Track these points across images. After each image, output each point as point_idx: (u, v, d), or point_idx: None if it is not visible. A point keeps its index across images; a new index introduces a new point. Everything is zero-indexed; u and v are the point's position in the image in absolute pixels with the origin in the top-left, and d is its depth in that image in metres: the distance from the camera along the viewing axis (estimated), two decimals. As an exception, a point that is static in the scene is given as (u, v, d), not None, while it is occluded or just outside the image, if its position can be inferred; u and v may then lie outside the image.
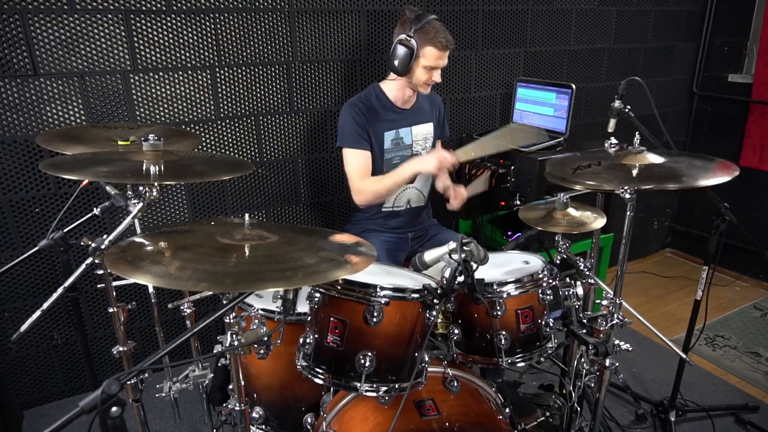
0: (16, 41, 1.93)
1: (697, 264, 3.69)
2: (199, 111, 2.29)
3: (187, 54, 2.20)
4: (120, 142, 1.67)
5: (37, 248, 1.47)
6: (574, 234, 1.82)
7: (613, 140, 1.66)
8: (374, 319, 1.29)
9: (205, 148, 2.34)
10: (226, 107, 2.33)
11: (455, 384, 1.45)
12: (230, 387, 1.52)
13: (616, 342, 1.55)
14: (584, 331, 1.59)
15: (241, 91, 2.34)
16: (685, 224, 3.99)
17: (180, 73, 2.21)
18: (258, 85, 2.37)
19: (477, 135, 2.58)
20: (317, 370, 1.35)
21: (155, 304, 1.89)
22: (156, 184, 1.36)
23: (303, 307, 1.40)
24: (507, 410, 1.53)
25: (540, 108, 2.74)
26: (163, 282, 0.97)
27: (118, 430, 0.83)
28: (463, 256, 1.35)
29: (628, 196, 1.45)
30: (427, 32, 1.94)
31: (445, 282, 1.35)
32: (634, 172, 1.48)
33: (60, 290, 1.38)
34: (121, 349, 1.59)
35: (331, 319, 1.33)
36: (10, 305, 2.19)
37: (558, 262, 1.75)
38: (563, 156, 1.68)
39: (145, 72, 2.15)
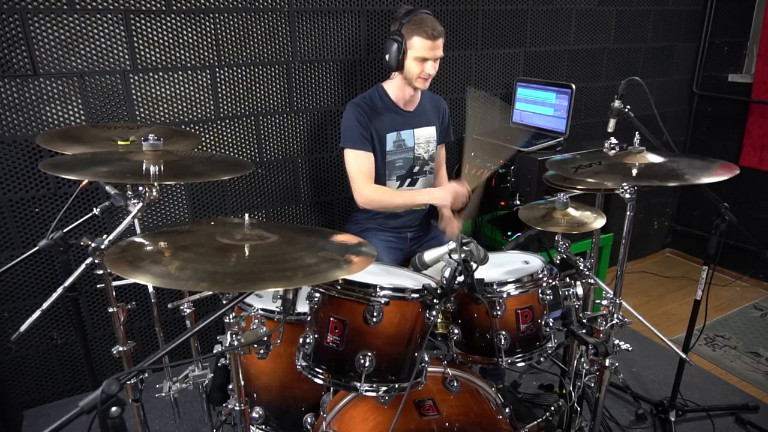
0: (16, 41, 1.93)
1: (697, 264, 3.68)
2: (199, 111, 2.29)
3: (187, 54, 2.20)
4: (120, 142, 1.67)
5: (36, 248, 1.47)
6: (574, 234, 1.82)
7: (613, 140, 1.66)
8: (374, 319, 1.29)
9: (205, 148, 2.33)
10: (226, 107, 2.33)
11: (455, 384, 1.45)
12: (230, 387, 1.52)
13: (616, 342, 1.55)
14: (584, 331, 1.59)
15: (241, 91, 2.34)
16: (685, 224, 3.99)
17: (180, 73, 2.21)
18: (258, 85, 2.37)
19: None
20: (317, 370, 1.35)
21: (155, 304, 1.89)
22: (156, 184, 1.36)
23: (303, 307, 1.40)
24: (507, 410, 1.53)
25: (540, 108, 2.74)
26: (163, 282, 0.97)
27: (118, 430, 0.83)
28: (463, 256, 1.36)
29: (628, 195, 1.45)
30: (413, 24, 1.95)
31: (445, 282, 1.35)
32: (634, 171, 1.48)
33: (60, 290, 1.38)
34: (120, 349, 1.59)
35: (331, 319, 1.33)
36: (10, 305, 2.19)
37: (558, 262, 1.75)
38: (562, 157, 1.68)
39: (144, 72, 2.15)
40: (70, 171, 1.29)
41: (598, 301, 1.63)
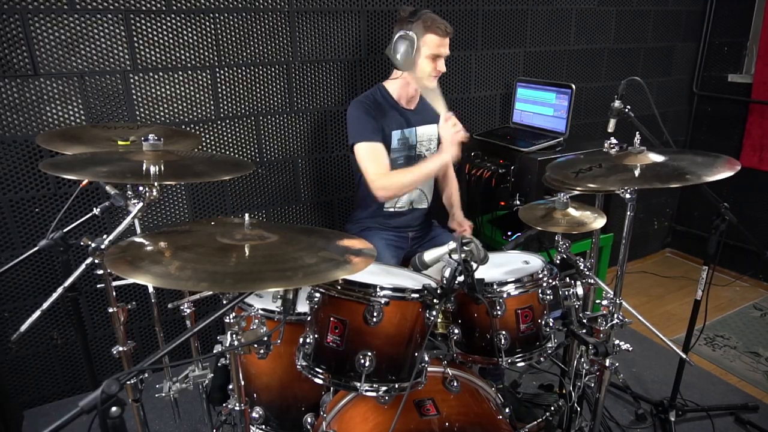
0: (16, 41, 1.93)
1: (697, 264, 3.69)
2: (199, 111, 2.29)
3: (187, 54, 2.20)
4: (120, 142, 1.67)
5: (37, 248, 1.47)
6: (574, 234, 1.82)
7: (613, 140, 1.66)
8: (374, 319, 1.29)
9: (205, 148, 2.33)
10: (226, 107, 2.33)
11: (455, 384, 1.45)
12: (230, 387, 1.53)
13: (616, 342, 1.55)
14: (584, 331, 1.59)
15: (241, 91, 2.34)
16: (685, 224, 3.99)
17: (180, 73, 2.21)
18: (258, 85, 2.37)
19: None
20: (317, 369, 1.35)
21: (155, 304, 1.89)
22: (156, 184, 1.36)
23: (303, 307, 1.40)
24: (507, 410, 1.53)
25: (540, 108, 2.74)
26: (163, 282, 0.97)
27: (118, 430, 0.83)
28: (463, 256, 1.35)
29: (628, 196, 1.45)
30: (424, 22, 1.96)
31: (445, 282, 1.35)
32: (636, 172, 1.48)
33: (60, 290, 1.38)
34: (120, 349, 1.59)
35: (331, 319, 1.33)
36: (10, 305, 2.19)
37: (558, 262, 1.75)
38: (563, 159, 1.67)
39: (145, 72, 2.15)
40: (70, 171, 1.29)
41: (598, 301, 1.63)
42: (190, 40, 2.19)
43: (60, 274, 2.20)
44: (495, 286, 1.52)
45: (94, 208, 1.61)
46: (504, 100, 3.00)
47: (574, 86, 2.53)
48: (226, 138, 2.37)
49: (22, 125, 2.02)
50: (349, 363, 1.31)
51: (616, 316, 1.56)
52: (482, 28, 2.80)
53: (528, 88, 2.82)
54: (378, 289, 1.30)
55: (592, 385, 1.68)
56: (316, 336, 1.36)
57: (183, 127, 2.27)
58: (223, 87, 2.30)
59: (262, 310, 1.48)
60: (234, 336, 1.13)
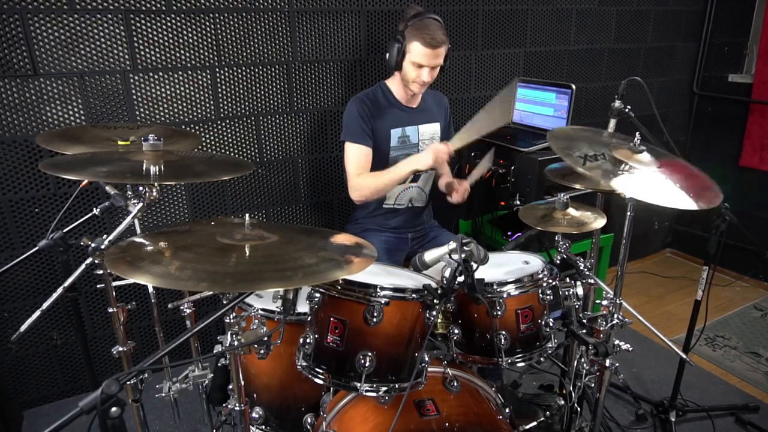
0: (16, 41, 1.93)
1: (697, 264, 3.69)
2: (199, 111, 2.29)
3: (187, 54, 2.20)
4: (120, 142, 1.67)
5: (36, 248, 1.47)
6: (574, 234, 1.81)
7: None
8: (374, 319, 1.29)
9: (205, 148, 2.33)
10: (226, 107, 2.33)
11: (455, 384, 1.45)
12: (230, 387, 1.52)
13: (616, 342, 1.55)
14: (584, 331, 1.59)
15: (241, 91, 2.34)
16: (685, 224, 3.99)
17: (180, 73, 2.21)
18: (258, 85, 2.37)
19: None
20: (317, 370, 1.34)
21: (155, 304, 1.89)
22: (156, 184, 1.36)
23: (303, 307, 1.40)
24: (507, 410, 1.53)
25: (540, 108, 2.74)
26: (163, 282, 0.97)
27: (118, 431, 0.83)
28: (463, 256, 1.35)
29: (628, 196, 1.44)
30: (417, 28, 1.94)
31: (445, 282, 1.35)
32: (628, 165, 1.45)
33: (60, 290, 1.38)
34: (120, 349, 1.59)
35: (331, 319, 1.33)
36: (10, 305, 2.19)
37: (558, 262, 1.75)
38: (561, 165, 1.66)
39: (145, 72, 2.15)
40: (70, 171, 1.29)
41: (598, 301, 1.63)
42: (190, 40, 2.19)
43: (60, 274, 2.20)
44: (495, 286, 1.52)
45: (94, 208, 1.61)
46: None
47: (574, 86, 2.53)
48: (226, 138, 2.37)
49: (22, 125, 2.02)
50: (349, 363, 1.31)
51: (616, 316, 1.55)
52: (482, 28, 2.80)
53: (528, 88, 2.82)
54: (378, 289, 1.30)
55: (592, 385, 1.67)
56: (316, 336, 1.36)
57: (183, 127, 2.27)
58: (223, 87, 2.30)
59: (262, 310, 1.48)
60: (234, 336, 1.13)
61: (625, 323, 1.56)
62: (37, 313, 1.34)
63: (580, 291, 1.64)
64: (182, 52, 2.19)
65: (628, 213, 1.50)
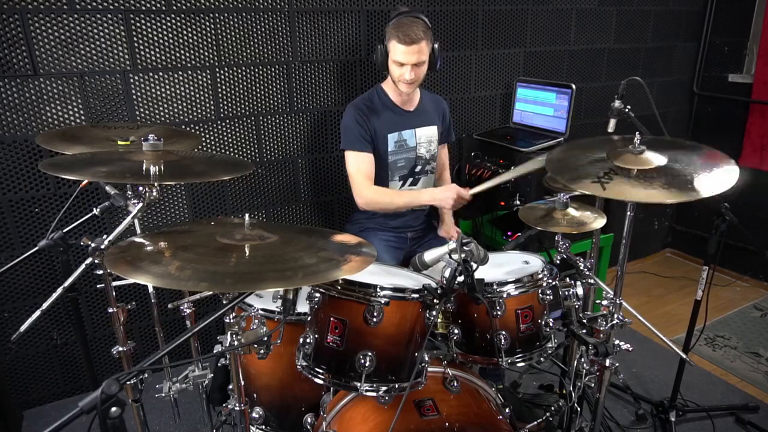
0: (16, 41, 1.93)
1: (697, 264, 3.68)
2: (199, 111, 2.29)
3: (187, 54, 2.20)
4: (120, 142, 1.67)
5: (36, 248, 1.47)
6: (574, 234, 1.81)
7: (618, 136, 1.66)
8: (374, 319, 1.29)
9: (205, 148, 2.33)
10: (226, 107, 2.33)
11: (455, 384, 1.45)
12: (230, 387, 1.52)
13: (616, 342, 1.55)
14: (584, 331, 1.59)
15: (241, 91, 2.34)
16: (685, 224, 3.99)
17: (180, 73, 2.21)
18: (258, 85, 2.37)
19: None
20: (317, 370, 1.34)
21: (155, 304, 1.89)
22: (156, 184, 1.36)
23: (303, 307, 1.40)
24: (507, 410, 1.53)
25: (540, 108, 2.74)
26: (163, 282, 0.97)
27: (118, 431, 0.83)
28: (463, 256, 1.35)
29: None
30: (394, 27, 1.94)
31: (445, 282, 1.35)
32: (634, 172, 1.45)
33: (60, 290, 1.38)
34: (120, 349, 1.59)
35: (331, 319, 1.33)
36: (10, 305, 2.19)
37: (558, 262, 1.75)
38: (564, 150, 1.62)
39: (145, 72, 2.15)
40: (70, 171, 1.29)
41: (598, 301, 1.63)
42: (190, 40, 2.19)
43: (60, 274, 2.19)
44: (495, 286, 1.52)
45: (94, 208, 1.61)
46: (504, 100, 3.00)
47: (574, 86, 2.53)
48: (226, 138, 2.37)
49: (22, 125, 2.02)
50: (349, 363, 1.31)
51: (616, 316, 1.55)
52: (482, 28, 2.80)
53: (528, 88, 2.82)
54: (378, 289, 1.30)
55: (593, 385, 1.67)
56: (316, 336, 1.36)
57: (183, 127, 2.27)
58: (223, 87, 2.30)
59: (262, 310, 1.48)
60: (234, 336, 1.13)
61: (625, 323, 1.56)
62: (37, 313, 1.34)
63: (580, 291, 1.64)
64: (182, 52, 2.19)
65: (628, 213, 1.50)
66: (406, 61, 1.95)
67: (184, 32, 2.17)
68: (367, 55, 2.54)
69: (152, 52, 2.14)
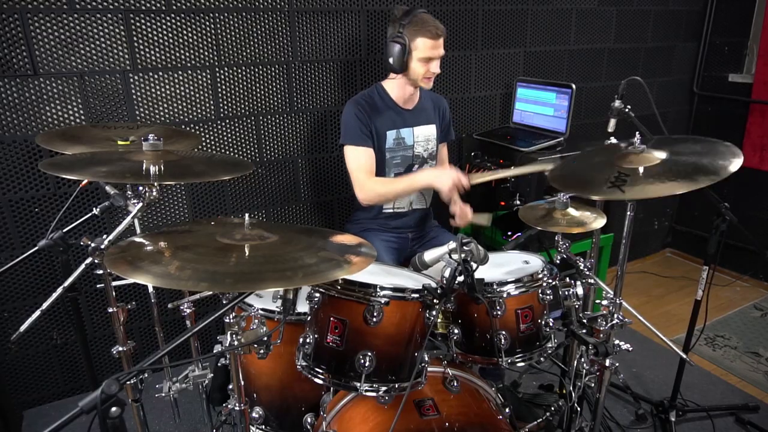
0: (16, 41, 1.93)
1: (697, 264, 3.68)
2: (199, 111, 2.29)
3: (187, 54, 2.20)
4: (120, 142, 1.67)
5: (36, 248, 1.47)
6: (574, 234, 1.81)
7: (613, 140, 1.66)
8: (374, 319, 1.29)
9: (205, 148, 2.33)
10: (226, 107, 2.33)
11: (455, 384, 1.45)
12: (230, 387, 1.52)
13: (616, 342, 1.55)
14: (584, 331, 1.59)
15: (241, 91, 2.34)
16: (685, 224, 3.99)
17: (180, 73, 2.21)
18: (258, 85, 2.37)
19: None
20: (317, 369, 1.34)
21: (155, 304, 1.89)
22: (156, 184, 1.36)
23: (303, 307, 1.40)
24: (507, 410, 1.53)
25: (540, 108, 2.74)
26: (163, 282, 0.97)
27: (118, 430, 0.83)
28: (463, 256, 1.35)
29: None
30: (415, 24, 1.95)
31: (445, 282, 1.35)
32: (641, 170, 1.46)
33: (59, 290, 1.38)
34: (120, 349, 1.59)
35: (331, 319, 1.33)
36: (10, 305, 2.19)
37: (558, 262, 1.75)
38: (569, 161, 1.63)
39: (144, 72, 2.15)
40: (69, 171, 1.29)
41: (598, 301, 1.63)
42: (190, 40, 2.19)
43: (60, 274, 2.19)
44: (495, 286, 1.52)
45: (94, 208, 1.61)
46: (504, 100, 3.00)
47: (574, 86, 2.53)
48: (226, 138, 2.37)
49: (21, 125, 2.02)
50: (349, 363, 1.31)
51: (616, 316, 1.55)
52: (482, 28, 2.80)
53: (528, 88, 2.82)
54: (378, 289, 1.30)
55: (592, 385, 1.67)
56: (316, 336, 1.36)
57: (183, 127, 2.27)
58: (223, 87, 2.30)
59: (262, 310, 1.48)
60: (234, 336, 1.13)
61: (625, 323, 1.56)
62: (37, 313, 1.34)
63: (580, 291, 1.64)
64: (182, 52, 2.19)
65: (628, 213, 1.50)
66: (436, 55, 1.99)
67: (184, 32, 2.17)
68: (367, 55, 2.54)
69: (152, 52, 2.14)
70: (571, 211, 1.69)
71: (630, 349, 1.54)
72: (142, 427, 1.69)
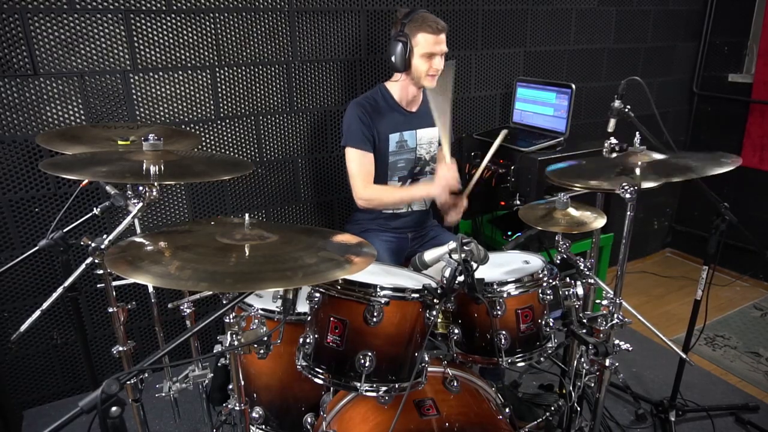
0: (16, 41, 1.93)
1: (697, 264, 3.68)
2: (199, 111, 2.29)
3: (187, 54, 2.20)
4: (120, 142, 1.67)
5: (36, 248, 1.47)
6: (574, 234, 1.81)
7: (613, 140, 1.66)
8: (374, 319, 1.29)
9: (205, 148, 2.33)
10: (226, 107, 2.33)
11: (455, 384, 1.45)
12: (230, 387, 1.52)
13: (616, 342, 1.55)
14: (584, 331, 1.59)
15: (241, 91, 2.34)
16: (685, 224, 3.99)
17: (180, 73, 2.21)
18: (258, 85, 2.37)
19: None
20: (317, 369, 1.35)
21: (155, 304, 1.89)
22: (156, 184, 1.36)
23: (303, 307, 1.40)
24: (507, 410, 1.53)
25: (540, 108, 2.74)
26: (163, 282, 0.97)
27: (118, 430, 0.83)
28: (463, 255, 1.35)
29: (628, 195, 1.44)
30: (416, 21, 1.97)
31: (445, 282, 1.35)
32: (638, 170, 1.47)
33: (60, 290, 1.38)
34: (120, 349, 1.59)
35: (331, 319, 1.33)
36: (10, 305, 2.19)
37: (558, 261, 1.75)
38: (567, 164, 1.65)
39: (145, 72, 2.15)
40: (70, 171, 1.29)
41: (598, 301, 1.63)
42: (190, 40, 2.19)
43: (60, 274, 2.19)
44: (495, 286, 1.52)
45: (94, 208, 1.61)
46: (504, 100, 3.00)
47: (574, 86, 2.53)
48: (226, 138, 2.37)
49: (22, 125, 2.02)
50: (349, 363, 1.31)
51: (616, 316, 1.55)
52: (482, 28, 2.80)
53: (528, 87, 2.82)
54: (378, 289, 1.30)
55: (592, 385, 1.67)
56: (316, 336, 1.36)
57: (183, 127, 2.27)
58: (223, 87, 2.30)
59: (262, 310, 1.48)
60: (234, 336, 1.13)
61: (624, 323, 1.56)
62: (37, 312, 1.34)
63: (580, 291, 1.64)
64: (182, 52, 2.19)
65: (628, 213, 1.50)
66: (438, 50, 1.99)
67: (184, 32, 2.17)
68: (367, 54, 2.54)
69: (152, 52, 2.14)
70: (571, 211, 1.69)
71: (630, 349, 1.55)
72: (142, 427, 1.69)
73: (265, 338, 1.15)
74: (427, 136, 2.21)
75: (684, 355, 1.80)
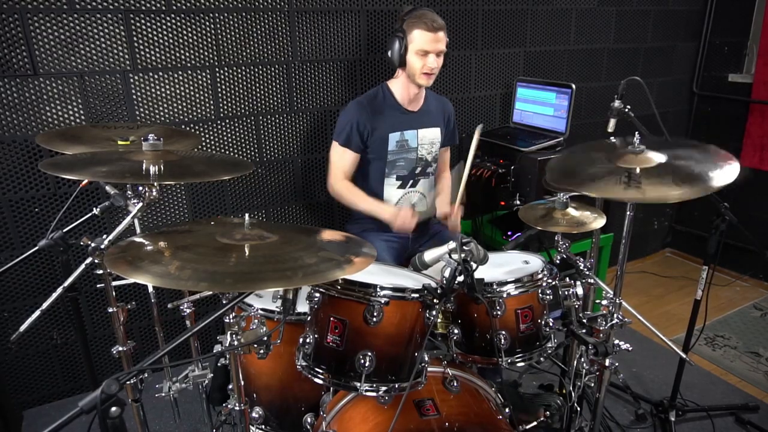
0: (16, 41, 1.93)
1: (697, 264, 3.67)
2: (199, 111, 2.29)
3: (187, 54, 2.20)
4: (120, 142, 1.67)
5: (36, 248, 1.47)
6: (573, 234, 1.81)
7: (613, 140, 1.66)
8: (374, 319, 1.29)
9: (205, 148, 2.33)
10: (226, 107, 2.33)
11: (455, 384, 1.45)
12: (230, 387, 1.52)
13: (616, 342, 1.55)
14: (584, 331, 1.59)
15: (241, 91, 2.34)
16: (685, 224, 3.99)
17: (180, 73, 2.21)
18: (258, 85, 2.37)
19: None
20: (317, 369, 1.35)
21: (155, 304, 1.89)
22: (156, 184, 1.36)
23: (303, 307, 1.40)
24: (507, 410, 1.53)
25: (540, 108, 2.74)
26: (163, 282, 0.97)
27: (118, 430, 0.83)
28: (462, 255, 1.35)
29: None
30: (414, 18, 1.97)
31: (445, 282, 1.35)
32: (638, 169, 1.45)
33: (59, 290, 1.38)
34: (120, 349, 1.59)
35: (331, 318, 1.33)
36: (10, 305, 2.19)
37: (558, 261, 1.75)
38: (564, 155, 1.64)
39: (144, 72, 2.15)
40: (69, 171, 1.29)
41: (598, 301, 1.63)
42: (190, 40, 2.19)
43: (60, 274, 2.19)
44: (495, 286, 1.52)
45: (94, 208, 1.61)
46: (504, 100, 3.00)
47: (574, 86, 2.53)
48: (226, 138, 2.37)
49: (21, 125, 2.02)
50: (349, 363, 1.31)
51: (616, 316, 1.55)
52: (482, 28, 2.80)
53: (528, 87, 2.82)
54: (378, 289, 1.30)
55: (592, 385, 1.68)
56: (316, 336, 1.36)
57: (183, 127, 2.27)
58: (223, 87, 2.30)
59: (262, 310, 1.48)
60: (234, 336, 1.13)
61: (624, 323, 1.56)
62: (37, 312, 1.34)
63: (579, 291, 1.64)
64: (182, 52, 2.19)
65: (628, 213, 1.50)
66: (432, 48, 1.98)
67: (184, 32, 2.17)
68: (367, 54, 2.54)
69: (152, 52, 2.14)
70: (571, 211, 1.69)
71: (630, 348, 1.55)
72: (142, 427, 1.69)
73: (265, 338, 1.15)
74: (428, 136, 2.21)
75: (684, 355, 1.80)
